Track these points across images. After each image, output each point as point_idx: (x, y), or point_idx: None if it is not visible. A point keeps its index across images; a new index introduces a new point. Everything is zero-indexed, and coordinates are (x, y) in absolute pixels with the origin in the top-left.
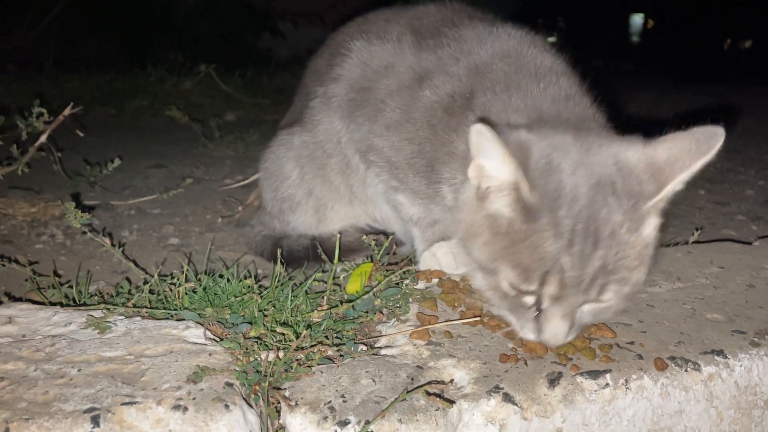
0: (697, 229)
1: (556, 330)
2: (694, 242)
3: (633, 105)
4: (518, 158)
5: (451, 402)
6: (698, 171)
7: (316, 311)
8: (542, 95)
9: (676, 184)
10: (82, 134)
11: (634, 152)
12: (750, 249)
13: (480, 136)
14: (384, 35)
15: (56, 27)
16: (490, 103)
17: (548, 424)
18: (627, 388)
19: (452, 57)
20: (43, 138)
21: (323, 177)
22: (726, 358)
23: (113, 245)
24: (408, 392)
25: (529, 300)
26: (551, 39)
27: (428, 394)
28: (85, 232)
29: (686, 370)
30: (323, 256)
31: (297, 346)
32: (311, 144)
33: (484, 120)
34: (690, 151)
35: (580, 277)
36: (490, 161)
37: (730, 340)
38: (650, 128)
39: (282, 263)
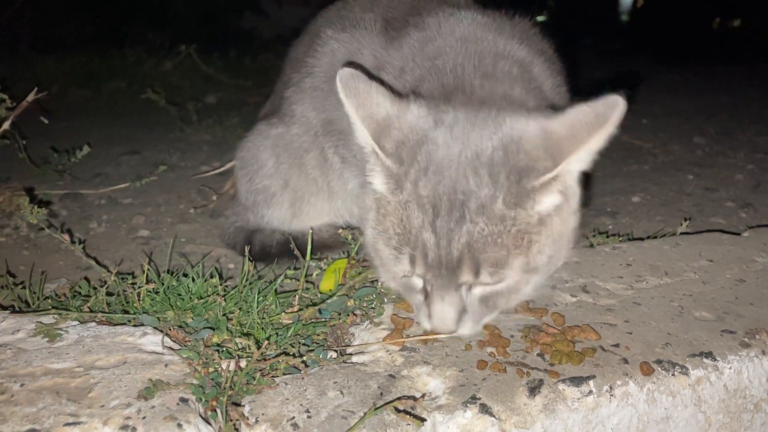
0: (685, 219)
1: (442, 315)
2: (682, 233)
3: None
4: (380, 119)
5: (422, 420)
6: (601, 145)
7: (284, 313)
8: (473, 71)
9: (574, 161)
10: (46, 121)
11: (532, 128)
12: (740, 240)
13: (339, 77)
14: (356, 23)
15: (30, 7)
16: (429, 86)
17: None
18: (611, 395)
19: (410, 45)
20: (6, 125)
21: (300, 168)
22: (715, 360)
23: (73, 241)
24: (376, 409)
25: (417, 283)
26: (541, 18)
27: (397, 411)
28: (43, 228)
29: (673, 374)
30: (296, 252)
31: (261, 355)
32: (287, 136)
33: (355, 64)
34: (588, 124)
35: (447, 255)
36: (347, 104)
37: (719, 341)
38: None
39: (251, 260)
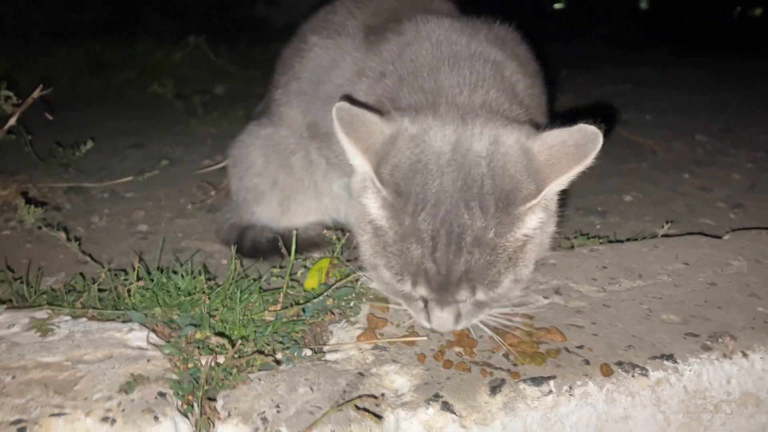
0: (667, 222)
1: (442, 320)
2: (663, 236)
3: (615, 84)
4: (377, 149)
5: (379, 417)
6: (580, 172)
7: (267, 311)
8: (449, 76)
9: (555, 186)
10: (50, 117)
11: (515, 150)
12: (718, 243)
13: (333, 112)
14: (340, 30)
15: None
16: (407, 87)
17: (488, 431)
18: (571, 395)
19: (389, 51)
20: (12, 121)
21: (287, 169)
22: (675, 362)
23: (69, 239)
24: (338, 406)
25: (416, 295)
26: (558, 5)
27: (358, 408)
28: (40, 227)
29: (633, 376)
30: (283, 251)
31: (238, 352)
32: (276, 137)
33: (347, 98)
34: (568, 155)
35: (447, 281)
36: (345, 143)
37: (682, 344)
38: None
39: (242, 256)
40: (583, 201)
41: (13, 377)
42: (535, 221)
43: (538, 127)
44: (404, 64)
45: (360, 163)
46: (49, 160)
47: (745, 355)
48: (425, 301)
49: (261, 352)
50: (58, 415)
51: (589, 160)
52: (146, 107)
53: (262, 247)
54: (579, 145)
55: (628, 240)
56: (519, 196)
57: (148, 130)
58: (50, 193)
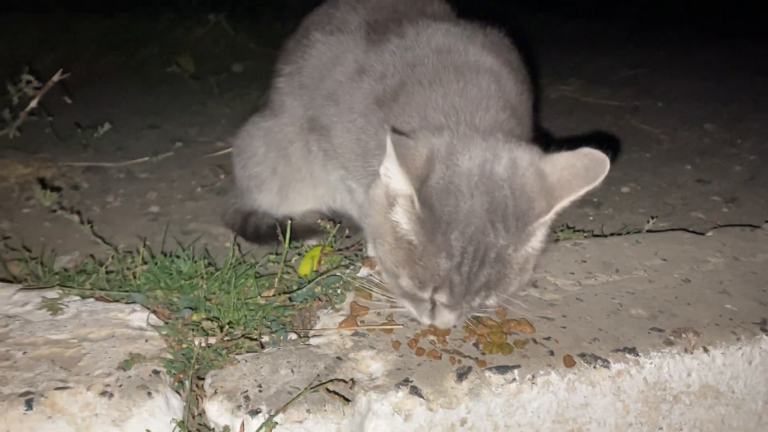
0: (653, 217)
1: (447, 320)
2: (648, 231)
3: (629, 69)
4: (419, 173)
5: (348, 400)
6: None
7: (260, 297)
8: (461, 94)
9: (563, 204)
10: (69, 101)
11: (530, 172)
12: (699, 240)
13: (389, 145)
14: (342, 26)
15: None
16: (413, 98)
17: (453, 414)
18: (533, 383)
19: (391, 52)
20: (33, 104)
21: (286, 158)
22: (637, 356)
23: (82, 222)
24: (312, 388)
25: (426, 296)
26: None
27: (329, 391)
28: (55, 210)
29: (595, 367)
30: (280, 238)
31: (228, 334)
32: (276, 126)
33: (395, 130)
34: (578, 177)
35: (467, 291)
36: (393, 170)
37: (645, 338)
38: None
39: (237, 242)
40: None
41: (24, 353)
42: (543, 235)
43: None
44: (406, 69)
45: (401, 186)
46: (69, 141)
47: (706, 350)
48: (434, 303)
49: (248, 337)
50: (63, 388)
51: (597, 182)
52: (165, 85)
53: (262, 233)
54: (588, 168)
55: (611, 235)
56: (533, 214)
57: (165, 109)
58: (69, 172)
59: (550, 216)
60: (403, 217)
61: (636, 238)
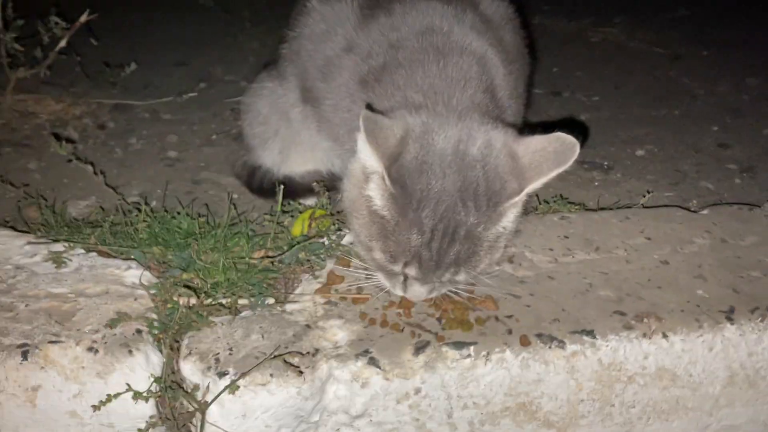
0: (648, 192)
1: (418, 293)
2: (643, 206)
3: (685, 7)
4: (391, 152)
5: (300, 372)
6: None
7: (249, 258)
8: (440, 75)
9: (534, 186)
10: (96, 42)
11: (503, 153)
12: (691, 219)
13: (361, 122)
14: None
15: None
16: (395, 79)
17: (408, 384)
18: (487, 360)
19: (377, 31)
20: (62, 43)
21: (288, 122)
22: (594, 338)
23: (95, 173)
24: (273, 358)
25: (398, 269)
26: None
27: (285, 362)
28: (70, 160)
29: (550, 347)
30: (278, 198)
31: (210, 296)
32: (279, 90)
33: (369, 107)
34: (548, 160)
35: (437, 266)
36: (363, 147)
37: (606, 321)
38: None
39: (233, 203)
40: (593, 153)
41: (27, 305)
42: (513, 215)
43: (514, 124)
44: (390, 50)
45: (373, 163)
46: (98, 79)
47: (665, 336)
48: (406, 277)
49: (222, 305)
50: (55, 342)
51: (567, 166)
52: (196, 15)
53: (265, 188)
54: (558, 152)
55: (601, 209)
56: (504, 194)
57: (193, 45)
58: (98, 109)
59: (520, 197)
60: (376, 193)
61: (626, 214)
